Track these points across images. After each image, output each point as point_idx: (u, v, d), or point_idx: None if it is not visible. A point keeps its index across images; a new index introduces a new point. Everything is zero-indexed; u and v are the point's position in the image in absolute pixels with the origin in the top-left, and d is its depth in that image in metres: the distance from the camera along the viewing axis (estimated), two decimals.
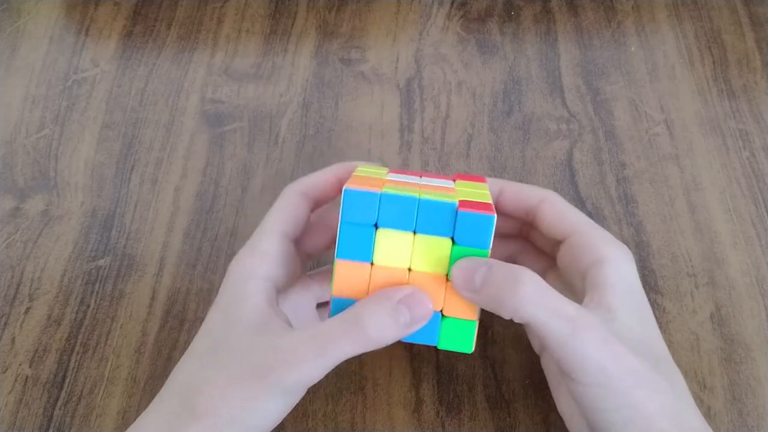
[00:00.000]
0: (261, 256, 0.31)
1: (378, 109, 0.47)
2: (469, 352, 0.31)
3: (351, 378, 0.37)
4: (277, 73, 0.49)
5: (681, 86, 0.48)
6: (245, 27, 0.52)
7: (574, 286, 0.33)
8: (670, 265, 0.40)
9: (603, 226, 0.41)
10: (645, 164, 0.44)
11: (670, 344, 0.37)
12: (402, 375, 0.37)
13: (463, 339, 0.30)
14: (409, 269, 0.30)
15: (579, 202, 0.43)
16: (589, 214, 0.42)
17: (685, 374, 0.36)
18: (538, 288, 0.28)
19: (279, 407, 0.29)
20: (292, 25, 0.52)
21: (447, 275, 0.30)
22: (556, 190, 0.43)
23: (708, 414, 0.35)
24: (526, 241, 0.38)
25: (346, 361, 0.37)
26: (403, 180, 0.32)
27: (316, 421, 0.35)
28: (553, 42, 0.50)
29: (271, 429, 0.30)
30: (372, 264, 0.30)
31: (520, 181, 0.43)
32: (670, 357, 0.31)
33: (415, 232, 0.29)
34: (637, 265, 0.39)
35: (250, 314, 0.29)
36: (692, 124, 0.46)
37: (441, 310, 0.30)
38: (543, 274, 0.36)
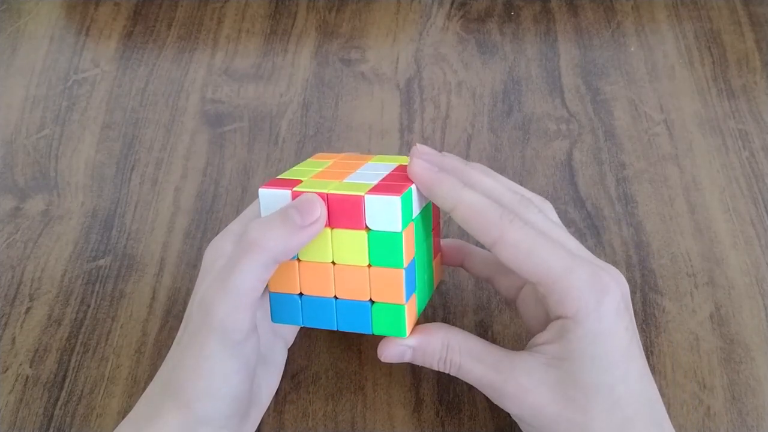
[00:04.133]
0: (230, 237, 0.32)
1: (378, 109, 0.47)
2: (404, 337, 0.31)
3: (351, 378, 0.37)
4: (277, 73, 0.49)
5: (680, 86, 0.48)
6: (245, 27, 0.52)
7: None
8: (669, 265, 0.40)
9: (603, 226, 0.41)
10: (645, 164, 0.44)
11: (669, 344, 0.37)
12: (402, 375, 0.37)
13: (394, 323, 0.31)
14: (333, 262, 0.30)
15: (579, 202, 0.43)
16: (589, 215, 0.42)
17: (685, 374, 0.36)
18: (453, 363, 0.31)
19: (229, 367, 0.29)
20: (292, 25, 0.52)
21: (369, 264, 0.30)
22: (555, 190, 0.43)
23: (708, 414, 0.35)
24: None
25: (346, 360, 0.37)
26: (332, 171, 0.32)
27: (316, 421, 0.35)
28: (553, 42, 0.50)
29: (239, 395, 0.30)
30: (299, 260, 0.31)
31: (520, 182, 0.43)
32: (641, 398, 0.29)
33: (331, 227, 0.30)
34: (637, 266, 0.40)
35: (205, 289, 0.30)
36: (692, 124, 0.46)
37: (370, 298, 0.31)
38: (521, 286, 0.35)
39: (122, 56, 0.50)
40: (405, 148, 0.45)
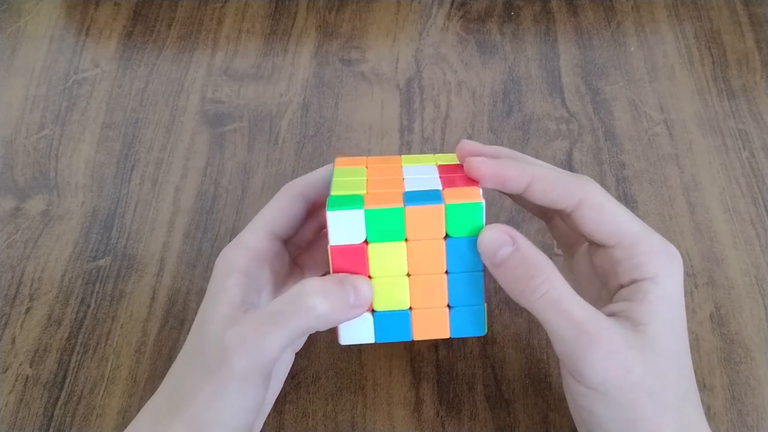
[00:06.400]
0: (242, 251, 0.31)
1: (378, 109, 0.47)
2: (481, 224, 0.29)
3: (351, 378, 0.37)
4: (277, 73, 0.49)
5: (680, 86, 0.48)
6: (245, 27, 0.52)
7: (605, 281, 0.31)
8: None
9: None
10: (645, 164, 0.44)
11: None
12: (402, 375, 0.37)
13: (471, 216, 0.29)
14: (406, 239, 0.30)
15: None
16: None
17: None
18: (553, 291, 0.27)
19: (246, 400, 0.28)
20: (292, 25, 0.52)
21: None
22: None
23: (708, 414, 0.35)
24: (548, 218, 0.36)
25: (346, 361, 0.37)
26: (378, 179, 0.32)
27: (316, 421, 0.35)
28: (553, 42, 0.50)
29: (250, 424, 0.29)
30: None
31: None
32: (692, 374, 0.29)
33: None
34: None
35: (224, 309, 0.29)
36: (692, 124, 0.46)
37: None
38: (564, 257, 0.35)
39: (122, 56, 0.50)
40: (405, 148, 0.45)
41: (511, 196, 0.36)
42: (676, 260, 0.30)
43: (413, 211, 0.29)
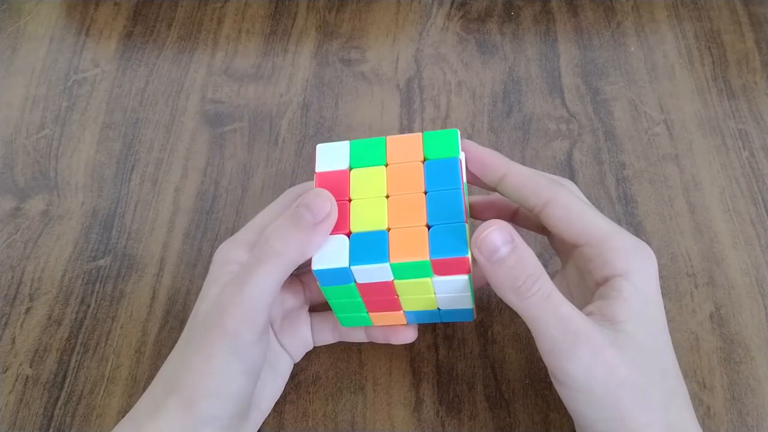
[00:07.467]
0: (238, 244, 0.32)
1: (378, 109, 0.47)
2: (457, 156, 0.31)
3: (351, 378, 0.37)
4: (277, 73, 0.49)
5: (680, 86, 0.48)
6: (245, 27, 0.52)
7: (585, 282, 0.32)
8: (669, 265, 0.40)
9: None
10: (644, 164, 0.44)
11: None
12: (402, 375, 0.37)
13: (448, 144, 0.31)
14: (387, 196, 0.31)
15: None
16: None
17: (685, 374, 0.36)
18: (544, 290, 0.28)
19: (237, 368, 0.29)
20: (292, 25, 0.52)
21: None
22: None
23: (708, 414, 0.35)
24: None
25: (346, 361, 0.37)
26: None
27: (316, 421, 0.35)
28: (553, 42, 0.50)
29: (243, 396, 0.30)
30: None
31: None
32: (678, 372, 0.29)
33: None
34: None
35: (218, 291, 0.30)
36: (692, 124, 0.46)
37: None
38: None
39: (122, 56, 0.50)
40: None
41: (512, 219, 0.36)
42: (648, 257, 0.30)
43: (394, 140, 0.32)
